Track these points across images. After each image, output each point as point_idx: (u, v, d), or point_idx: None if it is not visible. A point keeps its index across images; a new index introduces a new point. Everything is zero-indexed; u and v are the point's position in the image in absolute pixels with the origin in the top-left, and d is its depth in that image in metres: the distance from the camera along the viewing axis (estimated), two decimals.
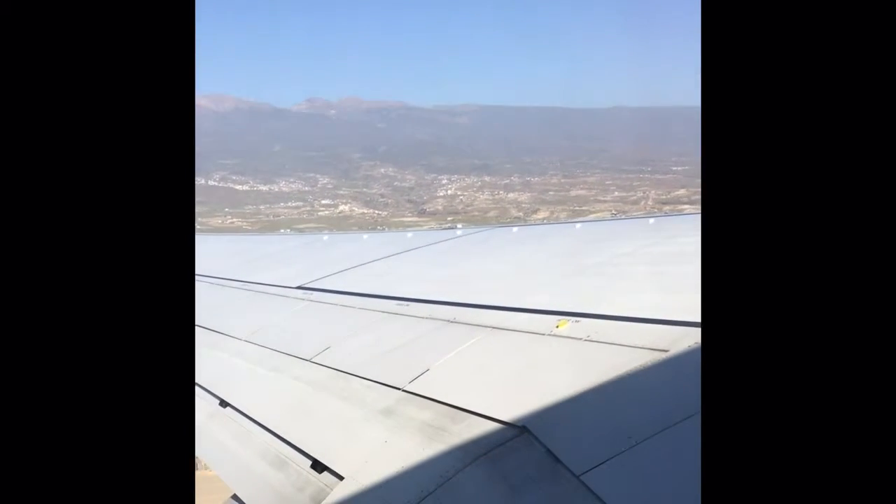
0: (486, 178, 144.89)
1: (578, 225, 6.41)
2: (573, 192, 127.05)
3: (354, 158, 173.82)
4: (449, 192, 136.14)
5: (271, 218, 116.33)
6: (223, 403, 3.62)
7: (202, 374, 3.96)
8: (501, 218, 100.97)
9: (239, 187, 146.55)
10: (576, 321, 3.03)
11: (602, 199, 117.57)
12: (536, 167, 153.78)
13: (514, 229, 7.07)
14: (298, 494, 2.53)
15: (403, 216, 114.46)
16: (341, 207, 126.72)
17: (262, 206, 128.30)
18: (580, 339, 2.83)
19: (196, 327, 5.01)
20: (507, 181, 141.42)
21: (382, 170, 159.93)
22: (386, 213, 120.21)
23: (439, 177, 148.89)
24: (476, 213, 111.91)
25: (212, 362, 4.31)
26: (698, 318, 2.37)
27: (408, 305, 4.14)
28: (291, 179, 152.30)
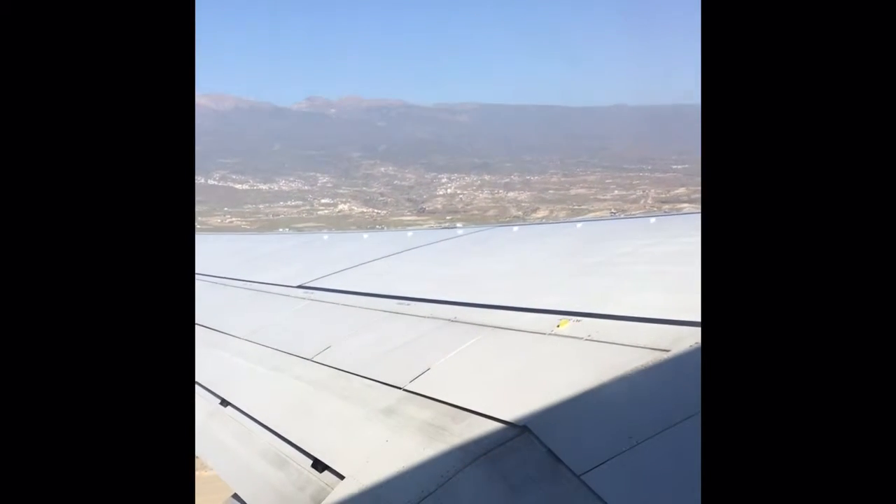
0: (486, 177, 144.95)
1: (579, 224, 6.41)
2: (573, 191, 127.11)
3: (354, 157, 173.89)
4: (448, 190, 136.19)
5: (270, 217, 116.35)
6: (224, 402, 3.62)
7: (203, 373, 3.96)
8: (501, 217, 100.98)
9: (239, 186, 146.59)
10: (577, 321, 3.03)
11: (602, 197, 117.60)
12: (536, 166, 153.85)
13: (515, 228, 7.07)
14: (299, 494, 2.52)
15: (402, 215, 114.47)
16: (341, 206, 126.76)
17: (261, 206, 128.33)
18: (581, 338, 2.82)
19: (197, 326, 5.01)
20: (507, 180, 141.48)
21: (382, 168, 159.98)
22: (385, 212, 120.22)
23: (439, 175, 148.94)
24: (475, 212, 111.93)
25: (213, 361, 4.31)
26: (699, 318, 2.38)
27: (409, 305, 4.14)
28: (291, 178, 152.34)
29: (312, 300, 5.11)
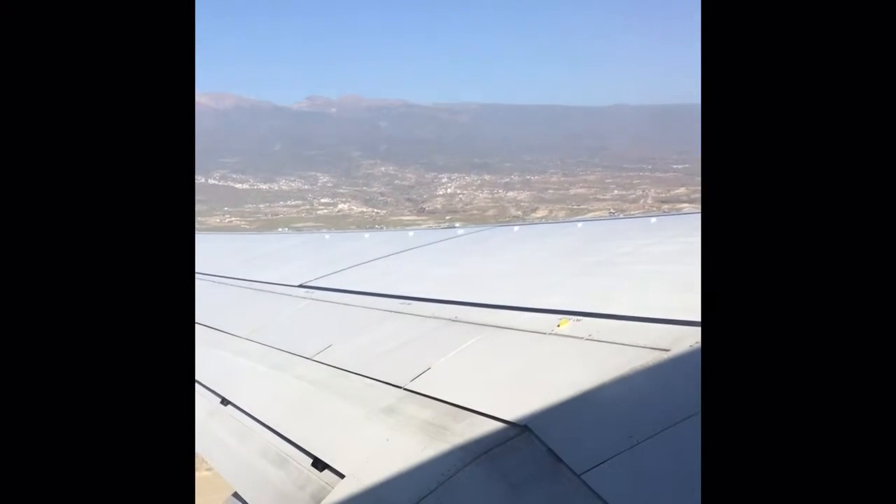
0: (486, 177, 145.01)
1: (580, 224, 6.41)
2: (572, 191, 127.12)
3: (354, 157, 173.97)
4: (448, 190, 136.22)
5: (270, 216, 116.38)
6: (224, 401, 3.62)
7: (203, 371, 3.96)
8: (500, 217, 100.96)
9: (239, 186, 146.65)
10: (577, 320, 3.03)
11: (601, 197, 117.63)
12: (536, 165, 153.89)
13: (516, 228, 7.07)
14: (299, 493, 2.53)
15: (402, 215, 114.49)
16: (340, 206, 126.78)
17: (261, 205, 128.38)
18: (581, 338, 2.83)
19: (197, 325, 5.01)
20: (507, 180, 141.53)
21: (383, 168, 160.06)
22: (384, 211, 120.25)
23: (439, 175, 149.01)
24: (475, 212, 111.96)
25: (213, 360, 4.31)
26: (699, 318, 2.38)
27: (409, 304, 4.14)
28: (291, 178, 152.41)
29: (313, 299, 5.11)
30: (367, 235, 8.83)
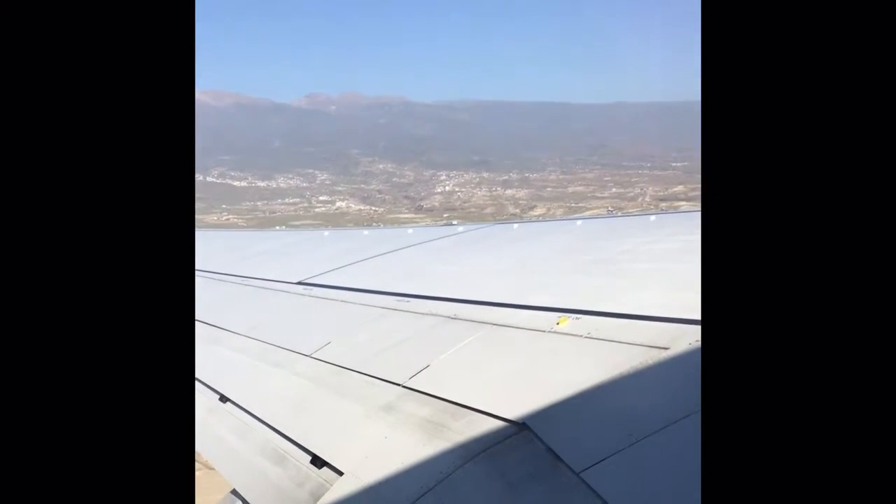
0: (485, 175, 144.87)
1: (579, 222, 6.42)
2: (571, 189, 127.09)
3: (354, 154, 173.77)
4: (447, 188, 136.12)
5: (267, 214, 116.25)
6: (223, 398, 3.62)
7: (202, 368, 3.96)
8: (498, 215, 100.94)
9: (237, 183, 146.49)
10: (576, 318, 3.03)
11: (599, 195, 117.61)
12: (536, 163, 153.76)
13: (515, 226, 7.08)
14: (298, 490, 2.52)
15: (400, 213, 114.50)
16: (338, 204, 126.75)
17: (259, 203, 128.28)
18: (581, 336, 2.83)
19: (196, 322, 5.00)
20: (506, 177, 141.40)
21: (381, 166, 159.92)
22: (382, 209, 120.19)
23: (438, 173, 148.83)
24: (473, 210, 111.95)
25: (212, 357, 4.31)
26: (699, 316, 2.38)
27: (408, 301, 4.14)
28: (290, 175, 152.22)
29: (312, 297, 5.11)
30: (365, 233, 8.84)
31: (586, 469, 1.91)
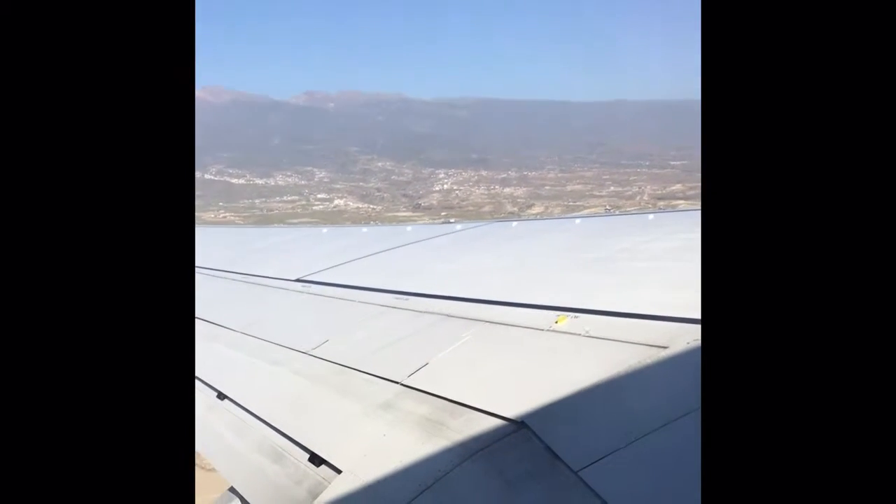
0: (484, 173, 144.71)
1: (578, 220, 6.41)
2: (569, 187, 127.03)
3: (352, 152, 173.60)
4: (445, 186, 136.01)
5: (265, 212, 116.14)
6: (221, 396, 3.61)
7: (200, 366, 3.94)
8: (496, 213, 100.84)
9: (235, 181, 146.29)
10: (575, 317, 3.03)
11: (598, 193, 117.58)
12: (534, 161, 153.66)
13: (514, 224, 7.07)
14: (296, 488, 2.52)
15: (398, 211, 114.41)
16: (336, 202, 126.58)
17: (256, 201, 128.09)
18: (579, 334, 2.83)
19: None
20: (504, 175, 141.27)
21: (380, 163, 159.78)
22: (380, 207, 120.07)
23: (436, 171, 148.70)
24: (471, 208, 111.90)
25: (210, 354, 4.30)
26: (698, 315, 2.38)
27: (407, 299, 4.14)
28: (288, 173, 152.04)
29: (310, 294, 5.11)
30: (364, 230, 8.83)
31: (585, 468, 1.91)
